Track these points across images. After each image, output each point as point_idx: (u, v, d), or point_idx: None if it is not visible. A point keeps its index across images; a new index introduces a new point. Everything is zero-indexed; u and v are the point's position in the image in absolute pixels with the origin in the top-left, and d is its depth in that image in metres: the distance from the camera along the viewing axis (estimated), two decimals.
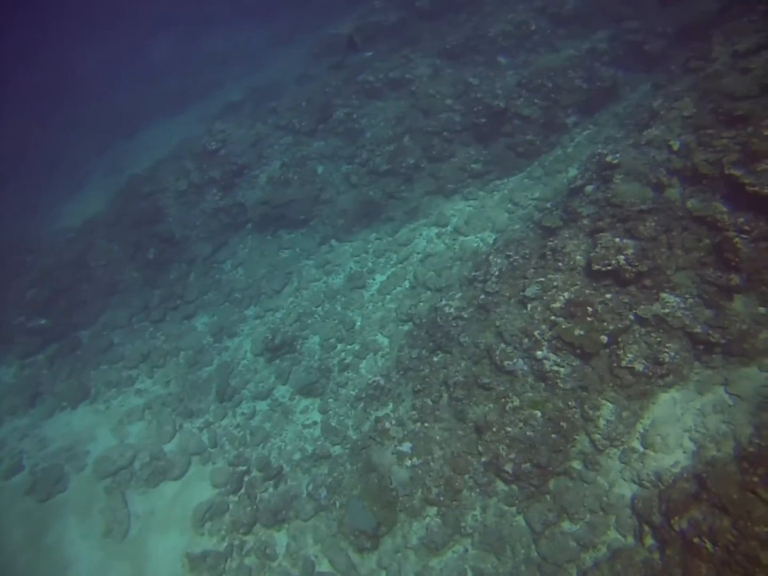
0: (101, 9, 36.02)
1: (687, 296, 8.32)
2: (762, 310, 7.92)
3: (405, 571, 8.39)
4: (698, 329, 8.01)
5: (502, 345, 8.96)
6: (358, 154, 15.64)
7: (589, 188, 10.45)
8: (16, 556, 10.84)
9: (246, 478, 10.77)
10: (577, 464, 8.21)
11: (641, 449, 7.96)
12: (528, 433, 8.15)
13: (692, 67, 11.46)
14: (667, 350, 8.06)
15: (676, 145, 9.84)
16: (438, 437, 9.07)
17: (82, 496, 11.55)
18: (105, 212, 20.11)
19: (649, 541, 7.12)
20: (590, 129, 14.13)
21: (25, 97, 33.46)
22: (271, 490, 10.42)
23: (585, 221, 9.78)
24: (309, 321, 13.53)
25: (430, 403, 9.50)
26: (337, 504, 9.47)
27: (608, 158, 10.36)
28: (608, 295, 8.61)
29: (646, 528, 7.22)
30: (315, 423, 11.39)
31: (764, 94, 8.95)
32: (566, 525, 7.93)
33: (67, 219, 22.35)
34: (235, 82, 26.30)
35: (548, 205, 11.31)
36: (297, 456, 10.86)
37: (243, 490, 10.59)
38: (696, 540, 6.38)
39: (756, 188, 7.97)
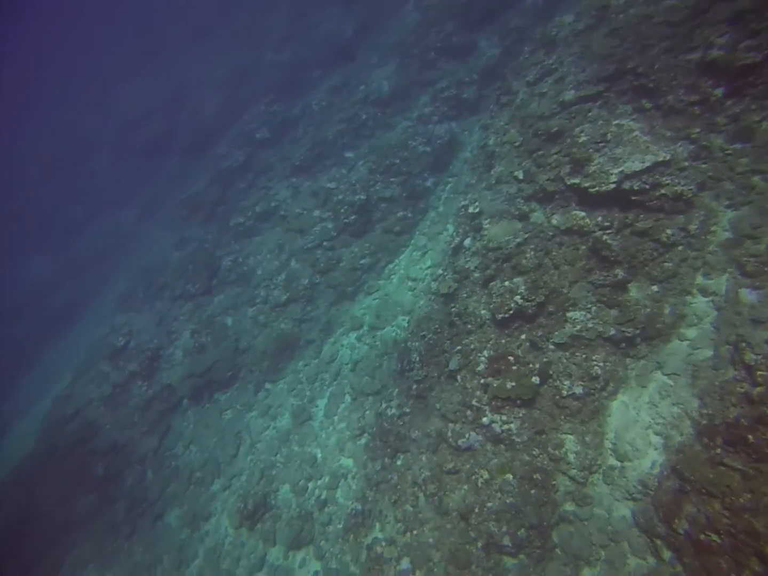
0: None
1: (589, 305, 8.59)
2: (654, 287, 8.32)
3: None
4: (612, 332, 8.24)
5: (451, 425, 8.89)
6: (257, 293, 15.77)
7: (467, 242, 10.86)
8: None
9: None
10: (569, 506, 8.00)
11: (618, 464, 7.89)
12: (508, 501, 7.94)
13: (504, 102, 12.47)
14: (595, 363, 8.19)
15: (520, 174, 10.47)
16: (431, 540, 8.70)
17: None
18: (34, 450, 18.95)
19: (666, 553, 6.89)
20: (450, 182, 14.91)
21: None
22: None
23: (475, 275, 10.07)
24: (273, 472, 13.03)
25: (411, 508, 9.18)
26: None
27: (470, 209, 10.88)
28: (522, 336, 8.76)
29: (658, 542, 7.00)
30: (317, 573, 10.72)
31: (564, 109, 9.81)
32: (587, 572, 7.59)
33: None
34: (120, 272, 26.26)
35: (440, 271, 11.62)
36: None
37: None
38: (702, 537, 6.27)
39: (596, 188, 8.56)
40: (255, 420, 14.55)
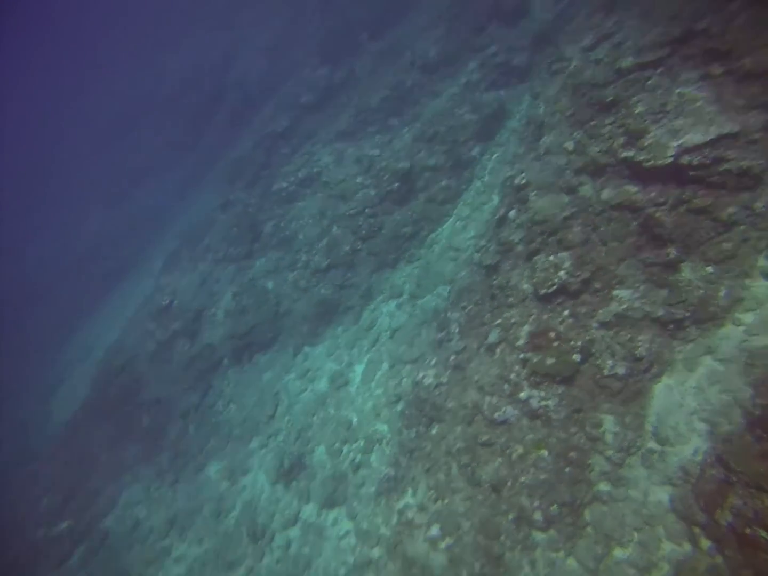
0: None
1: (637, 284, 8.32)
2: (709, 269, 7.90)
3: None
4: (660, 312, 7.97)
5: (487, 398, 8.86)
6: (298, 258, 15.92)
7: (512, 213, 10.63)
8: None
9: None
10: (603, 486, 7.88)
11: (659, 447, 7.65)
12: (542, 477, 7.93)
13: (556, 69, 11.98)
14: (640, 344, 7.97)
15: (570, 146, 10.12)
16: (461, 509, 8.80)
17: None
18: (90, 397, 20.08)
19: (705, 543, 6.64)
20: (497, 151, 14.54)
21: None
22: None
23: (519, 247, 9.88)
24: (309, 434, 13.38)
25: (443, 477, 9.28)
26: None
27: (517, 180, 10.62)
28: (565, 312, 8.59)
29: (697, 530, 6.79)
30: (348, 532, 11.03)
31: (621, 77, 9.35)
32: (618, 552, 7.46)
33: (59, 414, 22.23)
34: (168, 231, 26.91)
35: (483, 242, 11.45)
36: (342, 572, 10.46)
37: None
38: (748, 531, 5.97)
39: (651, 162, 8.19)
40: (293, 382, 14.86)
